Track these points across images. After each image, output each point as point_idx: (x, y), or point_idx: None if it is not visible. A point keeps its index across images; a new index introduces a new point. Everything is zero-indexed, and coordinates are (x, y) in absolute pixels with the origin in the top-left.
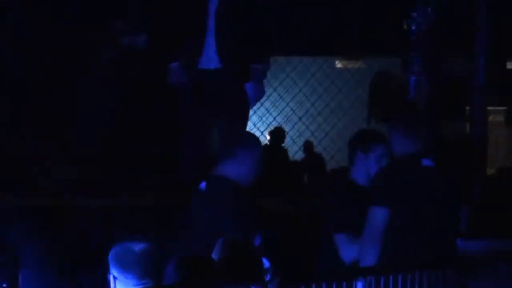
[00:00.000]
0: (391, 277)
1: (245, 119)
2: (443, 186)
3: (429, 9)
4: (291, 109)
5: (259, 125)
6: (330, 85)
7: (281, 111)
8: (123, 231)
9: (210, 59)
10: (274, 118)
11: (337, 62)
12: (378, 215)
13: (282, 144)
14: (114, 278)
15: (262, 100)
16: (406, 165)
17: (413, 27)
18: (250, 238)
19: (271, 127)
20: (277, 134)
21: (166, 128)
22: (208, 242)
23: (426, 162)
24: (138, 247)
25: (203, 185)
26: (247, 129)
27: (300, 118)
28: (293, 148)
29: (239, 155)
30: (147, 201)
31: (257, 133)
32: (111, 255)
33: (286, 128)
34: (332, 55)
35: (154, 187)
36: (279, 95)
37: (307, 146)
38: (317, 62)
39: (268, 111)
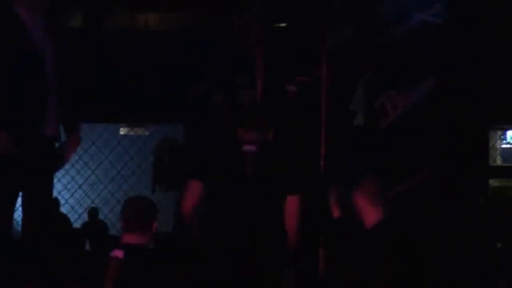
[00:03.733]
0: None
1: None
2: None
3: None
4: (71, 176)
5: None
6: (112, 152)
7: (59, 180)
8: None
9: None
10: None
11: (121, 128)
12: None
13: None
14: None
15: None
16: None
17: (198, 97)
18: None
19: None
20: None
21: None
22: None
23: None
24: None
25: None
26: None
27: (80, 186)
28: (74, 216)
29: None
30: None
31: None
32: None
33: (67, 195)
34: (115, 122)
35: None
36: None
37: (91, 212)
38: (98, 128)
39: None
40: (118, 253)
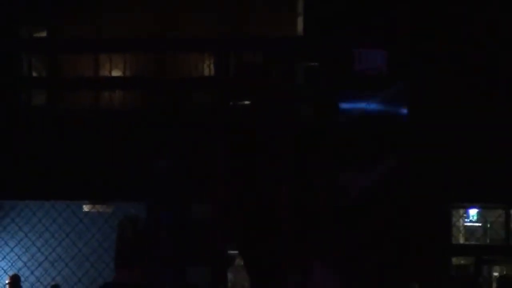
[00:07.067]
0: None
1: None
2: None
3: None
4: (32, 254)
5: None
6: (73, 229)
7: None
8: None
9: None
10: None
11: (84, 206)
12: None
13: None
14: None
15: None
16: None
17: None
18: None
19: None
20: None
21: None
22: None
23: None
24: None
25: None
26: None
27: (40, 263)
28: None
29: None
30: None
31: None
32: None
33: (27, 273)
34: (79, 199)
35: None
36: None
37: None
38: (60, 205)
39: None
40: None
